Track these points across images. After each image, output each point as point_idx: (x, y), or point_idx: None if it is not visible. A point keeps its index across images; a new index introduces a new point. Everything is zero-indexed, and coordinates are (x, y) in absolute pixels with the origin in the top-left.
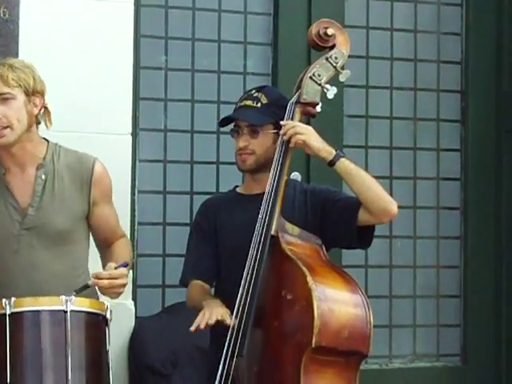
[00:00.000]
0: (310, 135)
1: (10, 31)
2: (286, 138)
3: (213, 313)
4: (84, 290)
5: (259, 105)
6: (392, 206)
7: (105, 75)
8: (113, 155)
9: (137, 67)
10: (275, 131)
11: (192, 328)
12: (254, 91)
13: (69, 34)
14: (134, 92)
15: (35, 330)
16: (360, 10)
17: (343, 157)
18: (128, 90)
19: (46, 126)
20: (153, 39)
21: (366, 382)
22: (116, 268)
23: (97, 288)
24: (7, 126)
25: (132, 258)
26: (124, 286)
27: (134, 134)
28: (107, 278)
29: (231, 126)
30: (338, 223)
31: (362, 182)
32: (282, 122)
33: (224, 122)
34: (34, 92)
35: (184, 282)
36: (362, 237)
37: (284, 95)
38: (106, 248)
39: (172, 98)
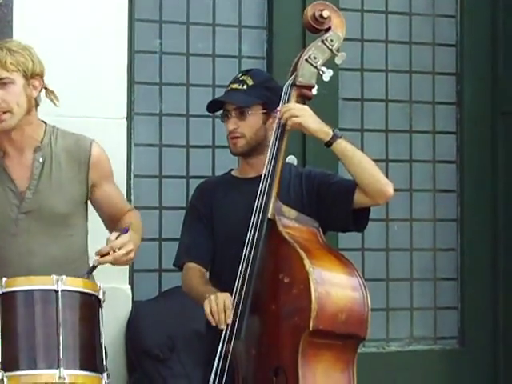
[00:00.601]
0: (306, 117)
1: (4, 16)
2: (283, 121)
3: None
4: (92, 271)
5: (245, 87)
6: (388, 187)
7: (99, 59)
8: (108, 140)
9: (131, 51)
10: (264, 112)
11: (221, 326)
12: (240, 74)
13: (63, 19)
14: (129, 76)
15: (27, 309)
16: None
17: (340, 137)
18: (123, 75)
19: (55, 104)
20: (147, 23)
21: (364, 365)
22: (117, 238)
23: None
24: (7, 111)
25: (141, 227)
26: (131, 252)
27: (130, 119)
28: (109, 253)
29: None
30: (334, 206)
31: (359, 162)
32: (277, 109)
33: (212, 107)
34: (32, 75)
35: (178, 264)
36: (358, 219)
37: (272, 77)
38: (114, 225)
39: (167, 82)
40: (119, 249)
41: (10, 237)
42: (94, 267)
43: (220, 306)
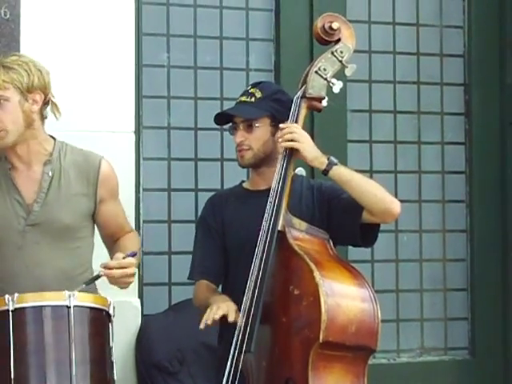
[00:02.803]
0: (305, 144)
1: (11, 31)
2: (281, 141)
3: (219, 308)
4: (95, 280)
5: (253, 99)
6: (393, 205)
7: (107, 74)
8: (117, 154)
9: (139, 65)
10: (272, 124)
11: (201, 326)
12: (250, 87)
13: (70, 33)
14: (137, 90)
15: (38, 325)
16: (362, 4)
17: (336, 164)
18: (131, 88)
19: (56, 117)
20: (155, 37)
21: (374, 376)
22: (124, 258)
23: (106, 279)
24: (1, 130)
25: (140, 252)
26: (133, 275)
27: (138, 132)
28: (117, 268)
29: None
30: (342, 221)
31: (358, 186)
32: (281, 125)
33: (221, 120)
34: (30, 89)
35: (192, 278)
36: (366, 235)
37: (282, 89)
38: (113, 244)
39: (175, 95)
40: (125, 267)
41: (16, 249)
42: (97, 276)
43: (219, 311)
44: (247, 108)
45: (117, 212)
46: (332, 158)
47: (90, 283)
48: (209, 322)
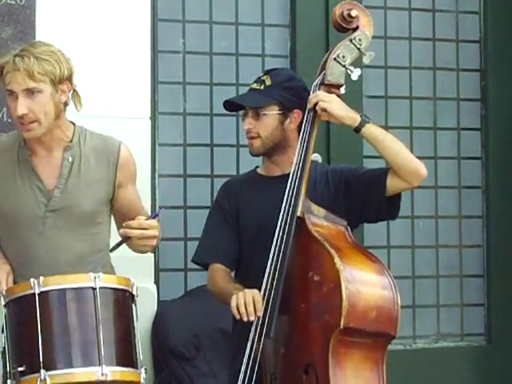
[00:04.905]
0: (332, 103)
1: (27, 17)
2: (309, 106)
3: (252, 302)
4: (119, 246)
5: (262, 87)
6: (421, 167)
7: (123, 60)
8: (132, 139)
9: (155, 51)
10: (280, 112)
11: (244, 318)
12: (262, 74)
13: (85, 20)
14: (153, 76)
15: (63, 307)
16: None
17: (369, 122)
18: (146, 74)
19: (77, 109)
20: (170, 23)
21: (391, 362)
22: (146, 220)
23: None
24: (34, 121)
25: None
26: (155, 237)
27: (154, 118)
28: (138, 228)
29: None
30: (366, 196)
31: (391, 146)
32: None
33: (232, 106)
34: (61, 80)
35: (201, 262)
36: (390, 207)
37: (295, 76)
38: None
39: (190, 81)
40: (147, 229)
41: (37, 235)
42: (121, 242)
43: (248, 299)
44: (255, 95)
45: (134, 198)
46: (365, 116)
47: (114, 249)
48: (251, 318)
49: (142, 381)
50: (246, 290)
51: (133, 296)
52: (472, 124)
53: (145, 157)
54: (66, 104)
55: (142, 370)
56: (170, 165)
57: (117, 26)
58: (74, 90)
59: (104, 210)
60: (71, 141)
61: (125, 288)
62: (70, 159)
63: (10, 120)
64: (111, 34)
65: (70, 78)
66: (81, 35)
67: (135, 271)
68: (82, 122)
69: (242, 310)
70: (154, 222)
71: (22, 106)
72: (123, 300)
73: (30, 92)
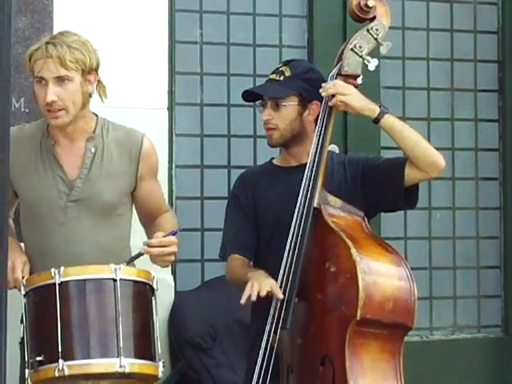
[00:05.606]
0: (351, 95)
1: (45, 7)
2: (325, 94)
3: (262, 284)
4: (136, 258)
5: (282, 78)
6: (440, 158)
7: (140, 50)
8: (149, 130)
9: (172, 42)
10: (299, 103)
11: (242, 300)
12: (281, 65)
13: (103, 10)
14: (170, 66)
15: (83, 298)
16: None
17: (387, 113)
18: (164, 65)
19: (102, 100)
20: (188, 13)
21: (407, 354)
22: (164, 236)
23: (148, 257)
24: (62, 109)
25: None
26: (174, 254)
27: (171, 109)
28: (158, 246)
29: None
30: (385, 186)
31: (409, 137)
32: (322, 85)
33: (250, 97)
34: (89, 71)
35: (224, 256)
36: (408, 196)
37: (313, 68)
38: (150, 223)
39: (208, 71)
40: (166, 246)
41: (58, 225)
42: (139, 254)
43: (265, 284)
44: (274, 86)
45: (156, 190)
46: (383, 106)
47: (131, 261)
48: (253, 298)
49: (160, 374)
50: (265, 281)
51: (153, 289)
52: (489, 115)
53: (162, 147)
54: (90, 95)
55: (160, 364)
56: (186, 155)
57: (134, 16)
58: (99, 81)
59: (125, 201)
60: (94, 131)
61: (145, 281)
62: (93, 150)
63: (27, 110)
64: (129, 24)
65: (96, 69)
66: (98, 26)
67: None
68: (99, 112)
69: (255, 289)
70: (173, 239)
71: (52, 93)
72: (143, 293)
73: (61, 80)
